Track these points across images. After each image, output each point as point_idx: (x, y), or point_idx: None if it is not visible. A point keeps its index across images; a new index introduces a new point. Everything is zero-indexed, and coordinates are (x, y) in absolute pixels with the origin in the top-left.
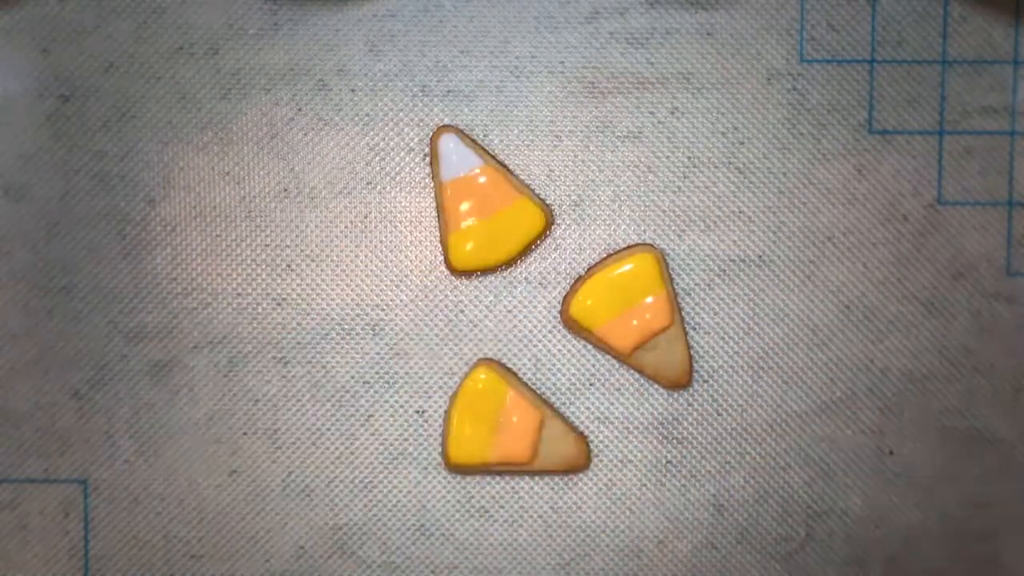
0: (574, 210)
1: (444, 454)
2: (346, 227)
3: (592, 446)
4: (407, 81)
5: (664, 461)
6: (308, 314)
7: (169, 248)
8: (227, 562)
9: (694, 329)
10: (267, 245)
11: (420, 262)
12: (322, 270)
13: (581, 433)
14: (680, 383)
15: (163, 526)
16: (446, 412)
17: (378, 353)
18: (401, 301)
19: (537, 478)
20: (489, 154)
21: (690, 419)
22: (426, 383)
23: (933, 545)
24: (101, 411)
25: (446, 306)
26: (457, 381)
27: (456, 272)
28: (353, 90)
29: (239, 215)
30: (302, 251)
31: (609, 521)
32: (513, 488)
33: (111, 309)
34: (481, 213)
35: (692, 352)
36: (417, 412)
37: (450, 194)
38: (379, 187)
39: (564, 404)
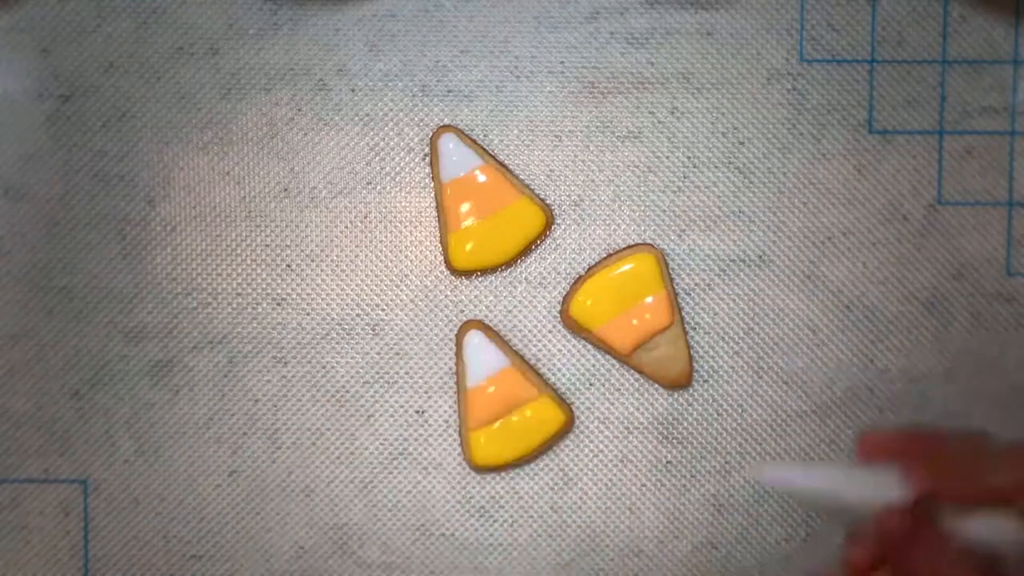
0: (574, 210)
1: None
2: (346, 227)
3: (592, 446)
4: (407, 81)
5: (664, 461)
6: (308, 314)
7: (169, 248)
8: (227, 562)
9: (694, 329)
10: (267, 245)
11: (420, 262)
12: (322, 270)
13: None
14: (680, 383)
15: (163, 526)
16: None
17: (378, 353)
18: (401, 301)
19: (537, 478)
20: (489, 154)
21: (690, 419)
22: (426, 383)
23: None
24: (101, 411)
25: (446, 306)
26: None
27: (456, 272)
28: (353, 90)
29: (239, 215)
30: (302, 251)
31: (609, 521)
32: (513, 488)
33: (111, 309)
34: (481, 213)
35: (692, 352)
36: (417, 412)
37: (450, 194)
38: (379, 187)
39: None
